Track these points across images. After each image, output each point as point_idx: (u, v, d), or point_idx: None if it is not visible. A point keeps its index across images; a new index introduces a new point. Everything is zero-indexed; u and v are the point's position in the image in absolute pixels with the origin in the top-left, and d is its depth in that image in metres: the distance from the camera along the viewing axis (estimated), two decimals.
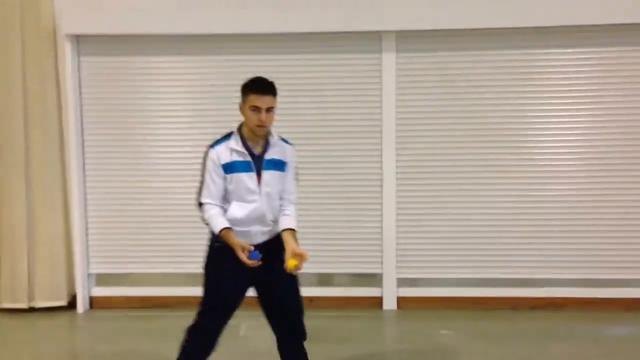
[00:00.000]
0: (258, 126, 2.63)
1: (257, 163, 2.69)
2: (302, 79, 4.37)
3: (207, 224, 2.72)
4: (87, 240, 4.53)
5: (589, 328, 4.05)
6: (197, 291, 4.43)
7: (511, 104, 4.33)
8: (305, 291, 2.90)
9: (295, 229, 2.73)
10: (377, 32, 4.26)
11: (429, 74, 4.34)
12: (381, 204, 4.39)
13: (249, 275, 2.67)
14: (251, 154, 2.69)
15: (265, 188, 2.69)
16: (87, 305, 4.56)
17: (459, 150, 4.37)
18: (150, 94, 4.47)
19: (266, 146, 2.72)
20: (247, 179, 2.67)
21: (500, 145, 4.35)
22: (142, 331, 4.08)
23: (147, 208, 4.51)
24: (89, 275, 4.56)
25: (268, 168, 2.70)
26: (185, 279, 4.56)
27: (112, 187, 4.52)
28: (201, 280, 2.80)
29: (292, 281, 2.76)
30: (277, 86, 2.65)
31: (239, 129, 2.73)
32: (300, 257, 2.58)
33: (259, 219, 2.70)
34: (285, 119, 4.20)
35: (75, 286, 4.52)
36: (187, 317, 4.13)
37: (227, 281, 2.71)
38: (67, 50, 4.35)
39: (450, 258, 4.43)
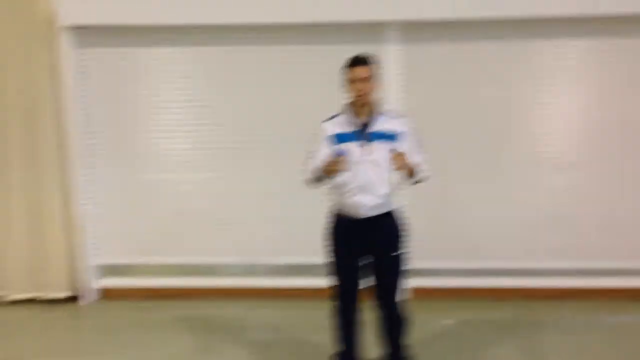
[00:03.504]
0: (357, 96, 2.84)
1: (364, 134, 2.87)
2: (301, 71, 4.22)
3: (315, 179, 2.94)
4: (93, 231, 4.53)
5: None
6: (201, 282, 4.54)
7: (516, 94, 4.27)
8: None
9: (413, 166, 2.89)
10: (380, 22, 4.18)
11: (433, 66, 4.28)
12: None
13: (360, 242, 2.92)
14: (357, 126, 2.88)
15: (370, 157, 2.84)
16: (94, 297, 4.60)
17: (463, 139, 4.34)
18: (153, 85, 4.42)
19: (372, 118, 2.87)
20: (353, 149, 2.84)
21: (508, 137, 4.33)
22: (150, 322, 4.11)
23: (154, 199, 4.51)
24: (95, 266, 4.58)
25: (374, 139, 2.85)
26: (191, 270, 4.63)
27: (119, 178, 4.51)
28: None
29: (394, 263, 2.97)
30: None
31: (348, 105, 2.94)
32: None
33: (366, 188, 2.85)
34: (279, 110, 4.22)
35: (81, 278, 4.54)
36: (191, 308, 4.14)
37: (342, 245, 2.97)
38: (65, 42, 4.26)
39: (460, 247, 4.43)
